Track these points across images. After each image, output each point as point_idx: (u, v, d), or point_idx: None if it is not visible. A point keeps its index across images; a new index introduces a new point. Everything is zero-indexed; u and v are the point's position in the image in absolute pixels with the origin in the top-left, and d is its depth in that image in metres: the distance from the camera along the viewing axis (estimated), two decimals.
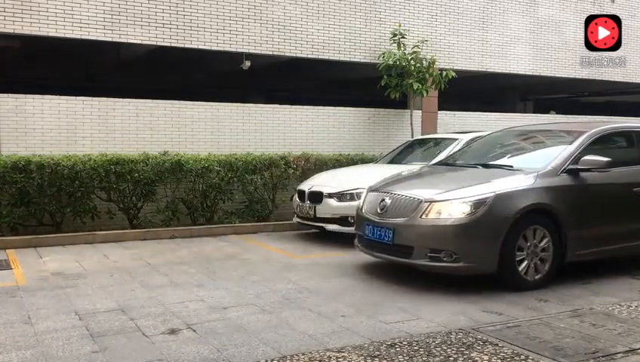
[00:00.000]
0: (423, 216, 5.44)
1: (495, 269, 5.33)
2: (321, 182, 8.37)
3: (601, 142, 6.17)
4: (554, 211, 5.52)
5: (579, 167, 5.74)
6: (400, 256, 5.65)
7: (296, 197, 8.58)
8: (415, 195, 5.65)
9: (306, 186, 8.39)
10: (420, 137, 10.28)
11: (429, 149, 9.16)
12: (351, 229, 7.63)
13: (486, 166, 6.27)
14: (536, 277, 5.52)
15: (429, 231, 5.44)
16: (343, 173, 8.69)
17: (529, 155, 6.69)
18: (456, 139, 8.73)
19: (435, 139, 9.55)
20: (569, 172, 5.72)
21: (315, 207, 8.02)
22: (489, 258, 5.29)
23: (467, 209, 5.30)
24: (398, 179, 6.55)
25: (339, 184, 8.05)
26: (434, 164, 7.21)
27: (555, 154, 5.90)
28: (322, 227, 8.03)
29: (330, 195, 7.92)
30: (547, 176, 5.63)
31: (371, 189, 6.37)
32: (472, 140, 8.63)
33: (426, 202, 5.48)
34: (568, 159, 5.78)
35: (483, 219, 5.26)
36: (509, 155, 6.71)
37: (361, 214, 6.20)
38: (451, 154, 7.43)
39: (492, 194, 5.34)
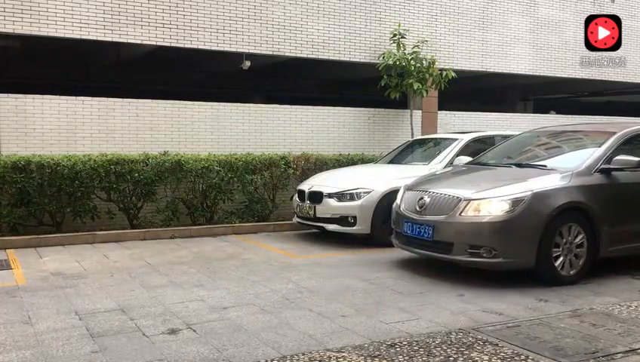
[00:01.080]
0: (463, 214, 5.65)
1: (533, 264, 5.53)
2: (321, 182, 8.34)
3: (630, 143, 6.35)
4: (588, 209, 5.72)
5: (611, 167, 5.93)
6: (440, 252, 5.86)
7: (296, 197, 8.57)
8: (454, 194, 5.86)
9: (306, 186, 8.37)
10: (420, 137, 10.26)
11: (429, 149, 9.15)
12: (350, 229, 7.72)
13: (520, 165, 6.51)
14: (572, 272, 5.70)
15: (468, 228, 5.63)
16: (343, 173, 8.67)
17: (561, 155, 6.89)
18: (457, 139, 8.72)
19: (435, 139, 9.53)
20: (602, 171, 5.92)
21: (315, 206, 7.99)
22: (527, 254, 5.50)
23: (506, 207, 5.51)
24: (435, 178, 6.76)
25: (339, 184, 8.02)
26: (466, 164, 7.39)
27: (587, 155, 6.13)
28: (322, 227, 8.01)
29: (330, 195, 7.88)
30: (581, 175, 5.84)
31: (408, 188, 6.58)
32: (473, 140, 8.66)
33: (465, 200, 5.69)
34: (601, 159, 5.99)
35: (521, 216, 5.47)
36: (541, 155, 7.00)
37: (400, 212, 6.40)
38: (482, 154, 7.53)
39: (530, 193, 5.54)
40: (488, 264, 5.58)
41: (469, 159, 8.06)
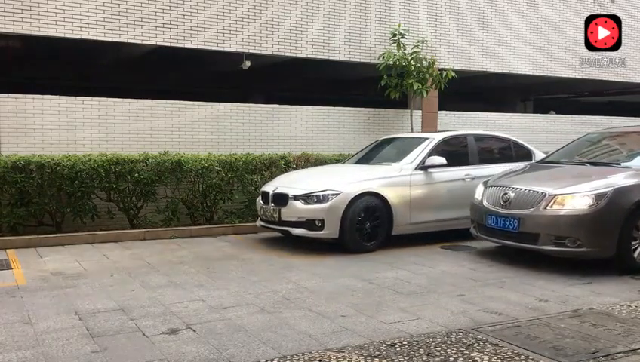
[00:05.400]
0: (548, 208, 6.18)
1: (613, 254, 6.03)
2: (287, 183, 7.83)
3: None
4: None
5: None
6: (525, 243, 6.39)
7: (259, 199, 8.04)
8: (538, 189, 6.39)
9: (271, 188, 7.84)
10: (390, 136, 9.71)
11: (399, 149, 8.64)
12: (317, 233, 7.27)
13: (594, 164, 7.06)
14: None
15: (554, 220, 6.15)
16: (310, 174, 8.25)
17: (632, 154, 7.27)
18: (427, 138, 8.35)
19: (405, 138, 9.09)
20: None
21: (279, 209, 7.47)
22: (608, 244, 6.01)
23: (590, 201, 6.02)
24: (514, 176, 7.25)
25: (305, 185, 7.53)
26: (538, 162, 7.90)
27: None
28: (287, 231, 7.51)
29: (296, 197, 7.35)
30: None
31: (488, 185, 7.09)
32: (445, 140, 8.35)
33: (550, 195, 6.21)
34: None
35: (603, 210, 5.96)
36: (611, 154, 7.59)
37: (482, 206, 6.93)
38: (551, 154, 8.01)
39: (611, 189, 6.05)
40: (573, 253, 6.09)
41: (442, 160, 7.90)
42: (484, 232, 6.94)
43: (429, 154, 7.96)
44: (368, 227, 7.37)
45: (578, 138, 8.22)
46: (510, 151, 8.91)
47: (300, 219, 7.35)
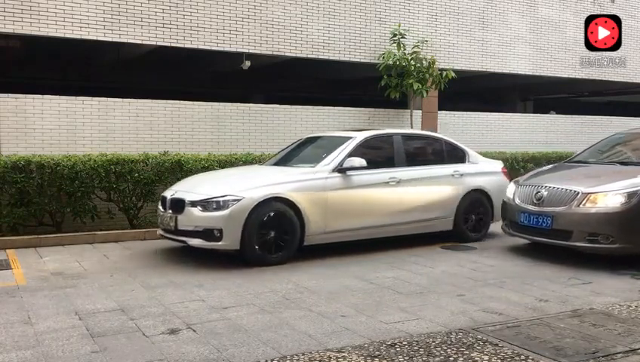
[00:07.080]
0: (581, 205, 6.41)
1: None
2: (188, 187, 7.04)
3: None
4: None
5: None
6: (558, 239, 6.60)
7: (159, 205, 7.24)
8: (571, 188, 6.63)
9: (169, 192, 7.04)
10: (312, 135, 8.87)
11: (320, 149, 7.80)
12: (216, 244, 6.48)
13: (623, 163, 7.33)
14: None
15: (587, 218, 6.37)
16: (214, 177, 7.51)
17: None
18: (350, 137, 7.60)
19: (329, 137, 8.22)
20: None
21: (176, 217, 6.63)
22: None
23: (622, 199, 6.26)
24: (544, 175, 7.55)
25: (206, 190, 6.73)
26: (566, 162, 8.20)
27: None
28: (185, 241, 6.66)
29: (194, 203, 6.52)
30: None
31: (520, 183, 7.35)
32: (367, 139, 7.66)
33: (583, 193, 6.44)
34: None
35: (635, 207, 6.20)
36: (638, 154, 7.74)
37: (514, 204, 7.17)
38: (579, 153, 8.28)
39: None
40: (605, 249, 6.33)
41: (361, 161, 7.14)
42: (517, 229, 7.12)
43: (349, 155, 7.19)
44: (274, 237, 6.57)
45: (605, 138, 8.45)
46: (442, 151, 8.31)
47: (197, 228, 6.50)
